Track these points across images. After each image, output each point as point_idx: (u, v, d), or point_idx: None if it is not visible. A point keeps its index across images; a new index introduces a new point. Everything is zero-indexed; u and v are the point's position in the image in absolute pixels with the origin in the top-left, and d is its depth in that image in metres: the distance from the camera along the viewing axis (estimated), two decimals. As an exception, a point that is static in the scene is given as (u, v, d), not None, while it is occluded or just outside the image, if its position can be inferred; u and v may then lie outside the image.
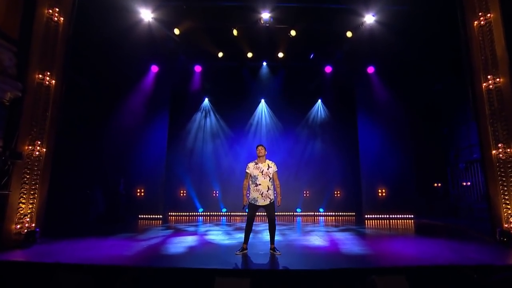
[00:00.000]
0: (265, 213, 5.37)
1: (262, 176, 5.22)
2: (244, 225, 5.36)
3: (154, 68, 11.72)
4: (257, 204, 5.18)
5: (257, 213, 5.46)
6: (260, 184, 5.18)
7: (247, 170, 5.29)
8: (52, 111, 6.45)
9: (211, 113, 13.37)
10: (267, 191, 5.19)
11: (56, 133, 6.56)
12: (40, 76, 6.32)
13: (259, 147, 5.36)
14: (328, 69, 12.08)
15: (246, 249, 5.26)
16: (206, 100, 13.39)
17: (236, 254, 5.10)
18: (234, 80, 12.32)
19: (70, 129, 8.81)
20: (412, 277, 3.65)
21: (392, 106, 11.42)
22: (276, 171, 5.35)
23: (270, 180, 5.28)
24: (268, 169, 5.28)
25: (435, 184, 12.13)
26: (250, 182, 5.25)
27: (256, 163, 5.30)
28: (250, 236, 5.47)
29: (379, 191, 11.48)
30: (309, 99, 13.26)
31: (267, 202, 5.19)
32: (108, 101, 10.97)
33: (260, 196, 5.16)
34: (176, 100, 12.19)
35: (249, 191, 5.27)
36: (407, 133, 11.57)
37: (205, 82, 12.45)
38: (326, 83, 12.44)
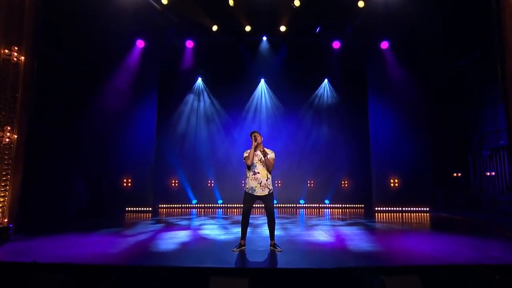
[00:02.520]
0: (262, 205, 5.37)
1: (260, 164, 5.23)
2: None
3: (140, 43, 11.50)
4: (254, 194, 5.20)
5: (254, 205, 5.47)
6: (258, 173, 5.20)
7: (245, 154, 5.29)
8: (22, 92, 6.32)
9: (205, 94, 13.28)
10: (266, 180, 5.21)
11: (29, 117, 6.46)
12: (6, 51, 6.16)
13: (255, 134, 5.32)
14: (336, 44, 11.87)
15: (244, 245, 5.29)
16: (199, 79, 13.28)
17: (233, 250, 5.14)
18: (231, 57, 12.16)
19: (46, 112, 8.72)
20: (427, 277, 3.66)
21: (408, 86, 11.30)
22: (274, 158, 5.35)
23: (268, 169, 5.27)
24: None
25: (455, 174, 12.13)
26: (247, 169, 5.25)
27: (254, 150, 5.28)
28: (248, 230, 5.50)
29: (391, 181, 11.51)
30: (314, 79, 13.12)
31: (266, 192, 5.20)
32: (89, 80, 10.82)
33: (259, 185, 5.17)
34: (165, 80, 12.06)
35: (246, 180, 5.27)
36: (424, 116, 11.50)
37: (198, 59, 12.27)
38: (333, 60, 12.27)
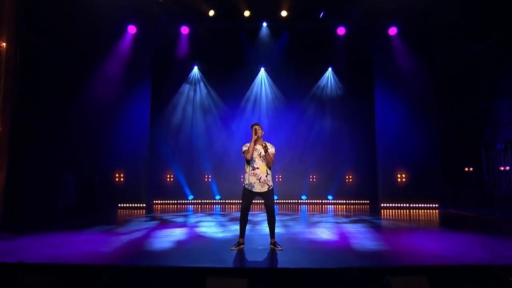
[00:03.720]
0: (262, 201, 5.38)
1: (260, 159, 5.21)
2: (248, 217, 5.40)
3: (132, 29, 11.38)
4: (253, 190, 5.20)
5: (254, 201, 5.48)
6: (257, 168, 5.19)
7: (244, 148, 5.28)
8: (5, 81, 6.26)
9: (201, 83, 13.26)
10: (266, 176, 5.20)
11: (12, 108, 6.42)
12: (-14, 37, 6.12)
13: (256, 126, 5.30)
14: (341, 30, 11.77)
15: (243, 243, 5.31)
16: (195, 68, 13.23)
17: (231, 249, 5.15)
18: (229, 44, 12.08)
19: (31, 103, 8.69)
20: (435, 278, 3.66)
21: (417, 75, 11.24)
22: (274, 153, 5.32)
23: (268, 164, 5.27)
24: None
25: (466, 168, 12.15)
26: (246, 164, 5.24)
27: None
28: (247, 228, 5.52)
29: (398, 176, 11.50)
30: (317, 68, 13.11)
31: (265, 189, 5.20)
32: (78, 68, 10.78)
33: (258, 181, 5.17)
34: (159, 68, 11.99)
35: (245, 175, 5.27)
36: (434, 107, 11.43)
37: (194, 46, 12.18)
38: (338, 48, 12.18)
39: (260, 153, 5.23)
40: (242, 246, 5.26)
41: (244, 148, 5.29)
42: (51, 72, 10.00)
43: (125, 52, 11.37)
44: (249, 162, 5.24)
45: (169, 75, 12.65)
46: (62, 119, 10.34)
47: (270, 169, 5.31)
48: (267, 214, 5.33)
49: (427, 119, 11.38)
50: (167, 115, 12.91)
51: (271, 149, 5.29)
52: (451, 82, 11.66)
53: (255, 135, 5.21)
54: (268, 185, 5.22)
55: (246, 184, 5.24)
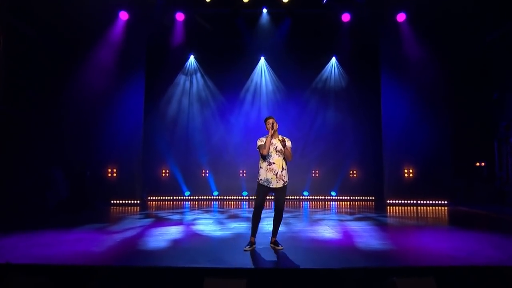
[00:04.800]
0: (270, 197, 5.36)
1: (276, 153, 5.23)
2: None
3: (124, 15, 11.31)
4: (270, 186, 5.21)
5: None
6: (274, 163, 5.21)
7: (259, 143, 5.28)
8: (-12, 72, 6.26)
9: (198, 74, 13.25)
10: (282, 171, 5.23)
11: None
12: (-30, 25, 6.07)
13: (271, 119, 5.31)
14: (345, 17, 11.70)
15: (255, 243, 5.31)
16: (192, 57, 13.21)
17: (245, 250, 5.13)
18: (227, 32, 12.05)
19: (17, 95, 8.65)
20: (443, 279, 3.67)
21: (427, 64, 11.21)
22: (291, 147, 5.30)
23: (285, 159, 5.30)
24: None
25: (477, 163, 12.15)
26: (261, 160, 5.26)
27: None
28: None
29: (406, 171, 11.52)
30: (321, 57, 13.08)
31: (280, 184, 5.23)
32: (66, 58, 10.77)
33: (275, 176, 5.19)
34: (153, 58, 11.98)
35: (260, 171, 5.29)
36: (444, 98, 11.43)
37: (190, 34, 12.14)
38: (342, 35, 12.14)
39: (276, 147, 5.23)
40: (254, 246, 5.25)
41: (260, 143, 5.28)
42: (39, 62, 9.96)
43: (117, 40, 11.31)
44: (265, 157, 5.23)
45: (163, 65, 12.62)
46: (51, 111, 10.33)
47: (286, 164, 5.32)
48: (275, 211, 5.32)
49: (436, 111, 11.37)
50: (162, 107, 12.92)
51: (288, 143, 5.28)
52: (462, 72, 11.61)
53: (272, 129, 5.20)
54: (283, 180, 5.24)
55: (261, 179, 5.25)
